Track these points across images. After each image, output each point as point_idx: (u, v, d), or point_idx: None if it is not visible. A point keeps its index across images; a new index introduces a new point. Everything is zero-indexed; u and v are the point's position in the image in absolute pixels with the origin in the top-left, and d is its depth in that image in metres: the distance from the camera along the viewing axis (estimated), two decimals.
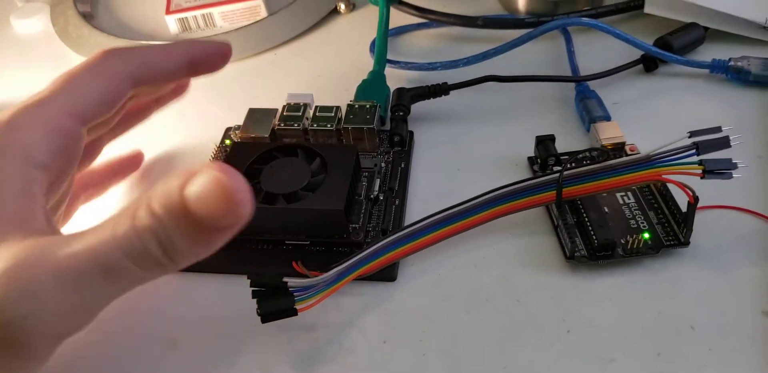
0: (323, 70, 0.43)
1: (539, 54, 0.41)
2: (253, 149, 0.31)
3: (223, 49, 0.30)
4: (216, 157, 0.36)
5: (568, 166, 0.29)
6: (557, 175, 0.29)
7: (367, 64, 0.41)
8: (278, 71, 0.43)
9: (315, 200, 0.29)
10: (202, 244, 0.21)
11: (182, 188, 0.20)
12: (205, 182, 0.19)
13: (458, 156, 0.35)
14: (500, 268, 0.30)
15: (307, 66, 0.43)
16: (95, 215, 0.34)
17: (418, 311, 0.28)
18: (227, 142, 0.36)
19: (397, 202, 0.32)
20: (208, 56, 0.30)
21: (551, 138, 0.33)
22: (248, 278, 0.26)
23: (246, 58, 0.44)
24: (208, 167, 0.19)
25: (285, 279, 0.26)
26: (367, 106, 0.35)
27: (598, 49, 0.41)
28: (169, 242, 0.20)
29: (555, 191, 0.29)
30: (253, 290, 0.26)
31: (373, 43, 0.42)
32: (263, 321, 0.26)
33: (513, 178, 0.33)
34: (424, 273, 0.30)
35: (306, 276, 0.27)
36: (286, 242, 0.30)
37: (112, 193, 0.35)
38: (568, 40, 0.40)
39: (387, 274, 0.29)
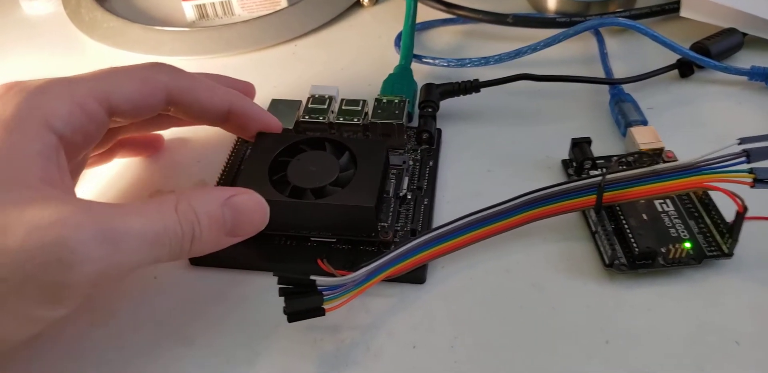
0: (346, 64, 0.41)
1: (569, 54, 0.40)
2: (279, 141, 0.30)
3: (271, 124, 0.30)
4: (236, 148, 0.34)
5: (612, 169, 0.28)
6: (599, 178, 0.28)
7: (392, 58, 0.40)
8: (298, 63, 0.42)
9: (345, 196, 0.27)
10: (217, 245, 0.25)
11: (228, 198, 0.25)
12: (248, 200, 0.26)
13: (488, 156, 0.34)
14: (534, 274, 0.28)
15: (328, 59, 0.42)
16: None
17: (449, 316, 0.27)
18: None
19: (426, 201, 0.31)
20: (248, 119, 0.30)
21: (587, 141, 0.32)
22: (275, 274, 0.25)
23: (265, 48, 0.43)
24: (251, 191, 0.26)
25: (312, 277, 0.25)
26: (396, 101, 0.33)
27: (631, 52, 0.40)
28: (199, 238, 0.24)
29: (594, 196, 0.28)
30: (280, 288, 0.25)
31: (398, 37, 0.40)
32: (290, 320, 0.24)
33: (546, 181, 0.32)
34: (455, 276, 0.28)
35: (332, 275, 0.26)
36: (312, 238, 0.29)
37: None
38: (601, 42, 0.39)
39: (416, 276, 0.28)
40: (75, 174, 0.30)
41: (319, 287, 0.25)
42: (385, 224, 0.29)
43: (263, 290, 0.28)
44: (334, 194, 0.28)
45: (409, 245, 0.27)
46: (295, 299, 0.24)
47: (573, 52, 0.40)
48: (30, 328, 0.23)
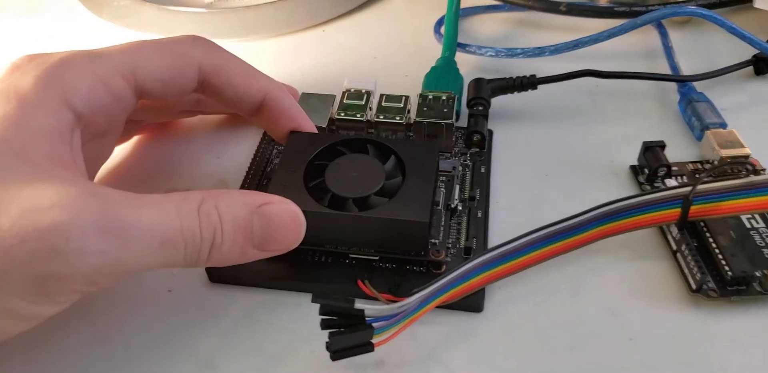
0: (380, 52, 0.37)
1: (627, 48, 0.36)
2: (315, 141, 0.26)
3: (304, 125, 0.27)
4: (262, 147, 0.30)
5: (702, 179, 0.24)
6: (686, 189, 0.24)
7: (431, 47, 0.36)
8: (327, 49, 0.38)
9: (393, 209, 0.23)
10: (243, 258, 0.22)
11: (260, 206, 0.22)
12: (283, 210, 0.22)
13: (545, 160, 0.30)
14: (608, 298, 0.25)
15: (360, 46, 0.38)
16: None
17: (511, 348, 0.23)
18: None
19: (479, 213, 0.27)
20: (282, 115, 0.27)
21: (661, 145, 0.28)
22: (315, 301, 0.21)
23: (289, 33, 0.39)
24: (287, 201, 0.23)
25: (358, 305, 0.21)
26: (444, 97, 0.30)
27: (697, 47, 0.36)
28: (220, 246, 0.21)
29: (677, 209, 0.25)
30: (322, 320, 0.21)
31: (438, 23, 0.37)
32: (334, 359, 0.21)
33: (613, 190, 0.28)
34: (516, 301, 0.25)
35: (374, 298, 0.22)
36: (351, 255, 0.25)
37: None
38: (664, 34, 0.35)
39: (473, 302, 0.24)
40: (94, 163, 0.27)
41: (367, 318, 0.21)
42: (436, 241, 0.25)
43: (293, 313, 0.24)
44: (380, 205, 0.24)
45: (466, 266, 0.23)
46: (341, 335, 0.21)
47: (631, 46, 0.36)
48: (11, 325, 0.20)
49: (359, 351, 0.21)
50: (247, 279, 0.25)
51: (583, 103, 0.33)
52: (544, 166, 0.30)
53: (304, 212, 0.23)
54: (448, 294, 0.23)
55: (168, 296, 0.25)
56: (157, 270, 0.21)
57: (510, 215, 0.28)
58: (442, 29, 0.35)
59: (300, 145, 0.26)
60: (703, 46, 0.36)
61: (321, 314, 0.21)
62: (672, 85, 0.33)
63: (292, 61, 0.37)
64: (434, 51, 0.35)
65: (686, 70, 0.33)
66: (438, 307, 0.23)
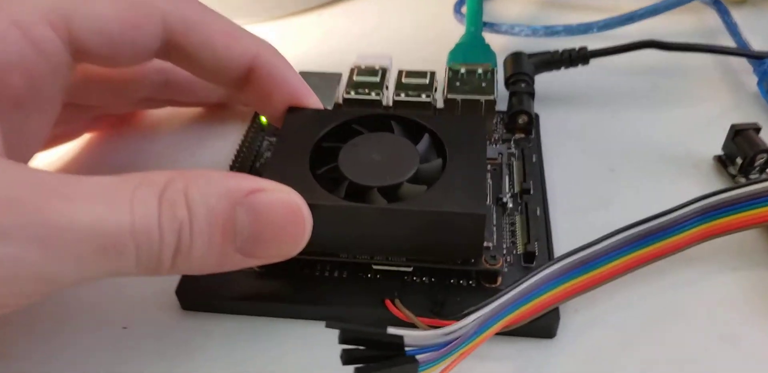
0: (391, 33, 0.32)
1: (679, 28, 0.31)
2: (322, 119, 0.20)
3: (307, 97, 0.20)
4: (250, 136, 0.24)
5: None
6: None
7: (451, 28, 0.30)
8: (328, 33, 0.32)
9: (436, 198, 0.17)
10: (223, 265, 0.16)
11: (248, 194, 0.15)
12: (279, 201, 0.16)
13: (606, 150, 0.24)
14: (719, 319, 0.18)
15: (369, 30, 0.32)
16: None
17: None
18: (262, 119, 0.25)
19: (538, 211, 0.21)
20: (276, 84, 0.20)
21: (755, 128, 0.23)
22: (330, 326, 0.15)
23: (287, 16, 0.33)
24: (285, 188, 0.16)
25: (392, 331, 0.15)
26: (479, 71, 0.24)
27: (760, 26, 0.31)
28: (188, 249, 0.15)
29: None
30: (344, 351, 0.14)
31: (459, 3, 0.31)
32: None
33: (696, 186, 0.23)
34: (597, 325, 0.18)
35: (411, 325, 0.16)
36: (375, 266, 0.19)
37: None
38: (724, 12, 0.30)
39: (542, 327, 0.18)
40: (17, 145, 0.19)
41: (407, 350, 0.15)
42: (490, 244, 0.19)
43: (297, 348, 0.18)
44: (416, 195, 0.18)
45: (535, 278, 0.17)
46: (375, 370, 0.14)
47: (688, 26, 0.31)
48: None
49: None
50: (230, 303, 0.19)
51: (641, 83, 0.27)
52: (606, 159, 0.24)
53: (311, 205, 0.16)
54: (512, 316, 0.17)
55: (122, 336, 0.19)
56: (108, 299, 0.16)
57: (572, 217, 0.21)
58: (464, 9, 0.30)
59: (302, 125, 0.20)
60: (763, 26, 0.30)
61: (342, 342, 0.14)
62: (741, 65, 0.28)
63: (289, 46, 0.31)
64: (455, 31, 0.29)
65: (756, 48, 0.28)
66: (499, 334, 0.17)
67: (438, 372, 0.15)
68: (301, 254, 0.17)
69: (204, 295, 0.19)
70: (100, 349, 0.18)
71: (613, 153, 0.24)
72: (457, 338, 0.16)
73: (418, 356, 0.15)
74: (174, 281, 0.19)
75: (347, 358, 0.14)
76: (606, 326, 0.18)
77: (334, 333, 0.14)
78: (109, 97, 0.23)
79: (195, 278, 0.19)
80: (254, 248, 0.16)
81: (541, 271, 0.17)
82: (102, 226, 0.14)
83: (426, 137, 0.19)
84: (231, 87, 0.21)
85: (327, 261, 0.19)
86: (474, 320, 0.16)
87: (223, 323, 0.19)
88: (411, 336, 0.15)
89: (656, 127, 0.25)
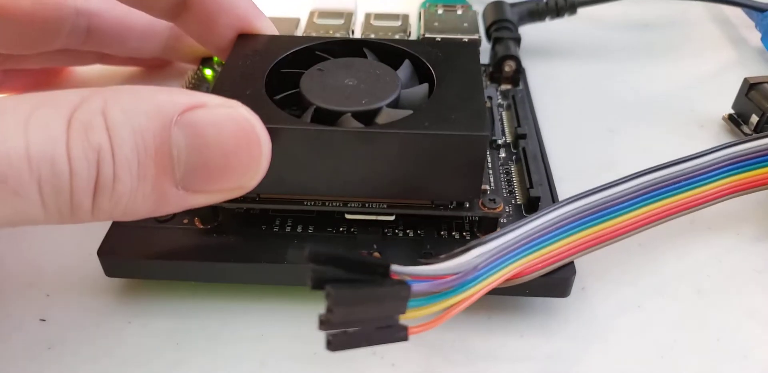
0: None
1: None
2: (278, 45, 0.16)
3: (260, 22, 0.17)
4: (193, 83, 0.21)
5: None
6: None
7: None
8: None
9: (427, 120, 0.14)
10: (160, 206, 0.12)
11: (185, 111, 0.12)
12: (225, 117, 0.12)
13: (603, 109, 0.21)
14: (748, 299, 0.15)
15: None
16: None
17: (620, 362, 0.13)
18: (207, 72, 0.21)
19: (539, 154, 0.17)
20: (221, 8, 0.17)
21: None
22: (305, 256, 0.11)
23: None
24: (233, 103, 0.12)
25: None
26: (459, 11, 0.21)
27: None
28: (111, 183, 0.11)
29: None
30: (312, 271, 0.10)
31: None
32: (332, 347, 0.11)
33: (701, 147, 0.20)
34: (609, 299, 0.15)
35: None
36: (348, 215, 0.15)
37: None
38: None
39: (556, 283, 0.14)
40: None
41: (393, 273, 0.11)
42: (488, 187, 0.16)
43: (251, 320, 0.14)
44: (402, 118, 0.14)
45: (556, 212, 0.14)
46: (350, 289, 0.10)
47: None
48: None
49: (385, 338, 0.11)
50: (165, 268, 0.15)
51: (633, 36, 0.25)
52: (603, 117, 0.21)
53: (269, 130, 0.13)
54: (521, 262, 0.14)
55: (40, 330, 0.14)
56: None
57: (573, 180, 0.18)
58: None
59: (255, 52, 0.16)
60: None
61: (311, 260, 0.11)
62: (739, 19, 0.26)
63: None
64: None
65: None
66: (494, 293, 0.13)
67: (432, 321, 0.12)
68: (256, 200, 0.13)
69: (133, 256, 0.15)
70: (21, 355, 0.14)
71: (610, 112, 0.21)
72: (457, 275, 0.12)
73: (413, 287, 0.11)
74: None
75: (317, 279, 0.10)
76: (617, 298, 0.15)
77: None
78: (15, 40, 0.19)
79: (123, 235, 0.15)
80: (198, 180, 0.12)
81: (554, 209, 0.14)
82: None
83: (407, 63, 0.16)
84: (167, 15, 0.17)
85: (288, 212, 0.15)
86: (478, 256, 0.12)
87: (158, 293, 0.15)
88: (399, 268, 0.11)
89: (656, 84, 0.22)
